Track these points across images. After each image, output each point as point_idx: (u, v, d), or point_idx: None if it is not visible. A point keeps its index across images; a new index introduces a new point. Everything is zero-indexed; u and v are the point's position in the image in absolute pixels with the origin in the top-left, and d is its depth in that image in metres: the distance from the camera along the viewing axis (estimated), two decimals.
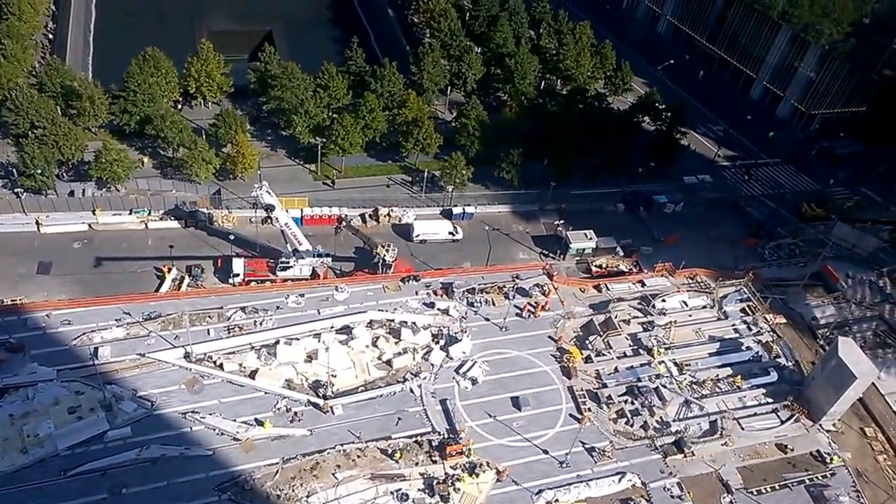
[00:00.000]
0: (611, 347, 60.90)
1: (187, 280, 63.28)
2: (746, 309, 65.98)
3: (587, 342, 61.18)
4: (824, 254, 71.62)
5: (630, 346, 61.48)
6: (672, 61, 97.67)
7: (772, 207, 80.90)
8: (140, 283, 62.33)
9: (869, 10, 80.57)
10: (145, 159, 74.43)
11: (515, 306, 62.05)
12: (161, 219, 68.58)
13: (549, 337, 60.81)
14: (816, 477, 54.14)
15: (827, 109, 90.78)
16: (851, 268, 72.46)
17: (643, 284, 67.20)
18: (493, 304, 62.77)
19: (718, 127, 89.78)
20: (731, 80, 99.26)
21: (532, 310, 62.37)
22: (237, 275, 63.44)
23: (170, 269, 63.55)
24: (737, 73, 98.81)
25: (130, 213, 68.24)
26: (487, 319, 61.33)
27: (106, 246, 65.89)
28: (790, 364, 61.68)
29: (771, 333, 64.05)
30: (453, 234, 71.49)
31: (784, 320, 65.82)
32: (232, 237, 65.06)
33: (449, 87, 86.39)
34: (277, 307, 59.30)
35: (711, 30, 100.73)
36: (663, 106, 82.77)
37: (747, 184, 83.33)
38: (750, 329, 64.29)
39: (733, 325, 64.70)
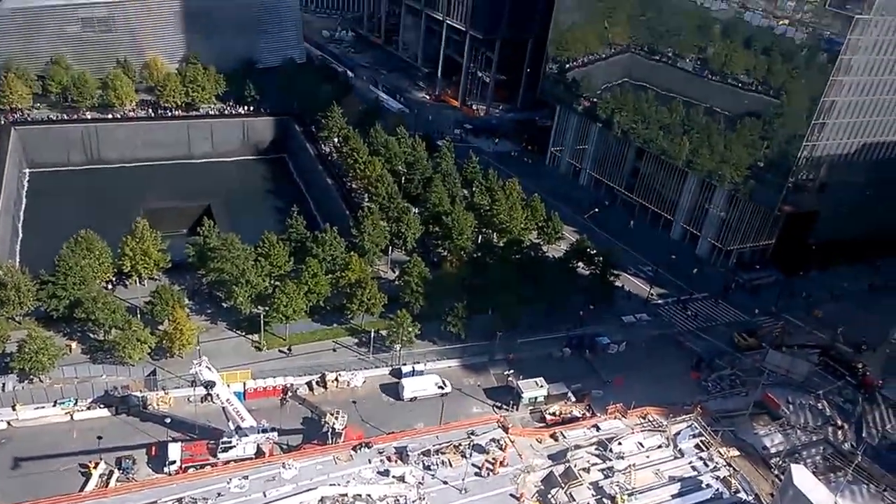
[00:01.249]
0: (574, 500, 56.77)
1: (116, 474, 55.60)
2: (700, 444, 63.69)
3: (549, 496, 56.92)
4: (763, 382, 71.17)
5: (593, 495, 57.61)
6: (597, 210, 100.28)
7: (708, 340, 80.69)
8: (63, 484, 54.35)
9: (761, 155, 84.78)
10: (73, 345, 68.01)
11: (473, 465, 57.73)
12: (89, 408, 61.54)
13: (511, 495, 56.35)
14: None
15: (741, 244, 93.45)
16: (791, 393, 71.96)
17: (598, 428, 64.64)
18: (451, 465, 58.33)
19: (647, 267, 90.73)
20: (652, 224, 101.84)
21: (490, 467, 58.15)
22: (173, 462, 56.41)
23: (97, 465, 56.01)
24: (656, 216, 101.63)
25: (55, 405, 60.87)
26: (445, 482, 56.63)
27: (26, 444, 57.86)
28: (751, 498, 58.94)
29: (727, 468, 61.78)
30: (442, 388, 67.76)
31: (737, 452, 63.87)
32: (168, 420, 58.45)
33: (390, 247, 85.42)
34: (219, 494, 52.80)
35: (628, 179, 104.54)
36: (594, 251, 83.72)
37: (690, 319, 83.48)
38: (707, 465, 61.98)
39: (690, 462, 62.34)
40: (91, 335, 69.02)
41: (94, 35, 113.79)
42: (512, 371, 71.92)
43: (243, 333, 72.35)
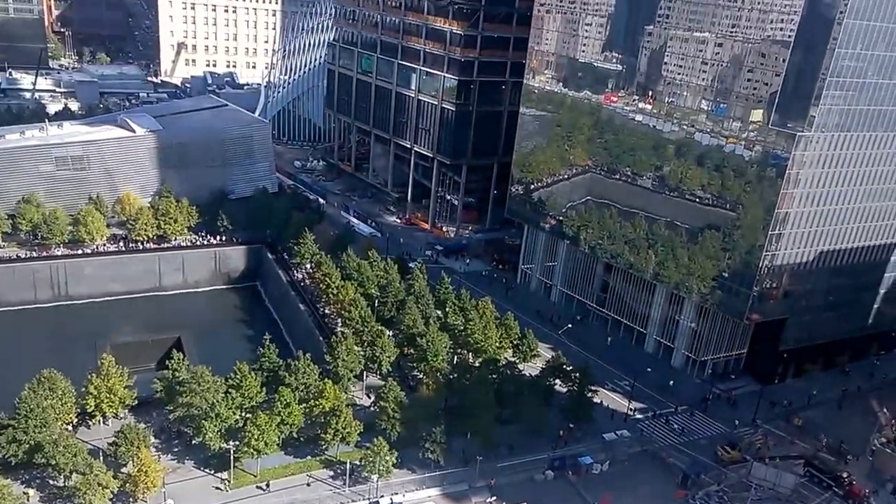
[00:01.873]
0: None
1: None
2: None
3: None
4: (751, 497, 68.98)
5: None
6: (570, 325, 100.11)
7: (691, 455, 78.74)
8: None
9: (725, 266, 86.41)
10: (31, 492, 63.48)
11: None
12: None
13: None
14: None
15: (714, 355, 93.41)
16: None
17: None
18: None
19: (624, 381, 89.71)
20: (625, 337, 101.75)
21: None
22: None
23: None
24: (629, 329, 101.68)
25: None
26: None
27: None
28: None
29: None
30: None
31: None
32: None
33: (364, 373, 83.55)
34: None
35: (598, 294, 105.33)
36: (570, 367, 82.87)
37: (672, 434, 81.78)
38: None
39: None
40: (50, 481, 64.78)
41: (68, 173, 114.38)
42: (494, 497, 68.82)
43: (212, 472, 68.68)
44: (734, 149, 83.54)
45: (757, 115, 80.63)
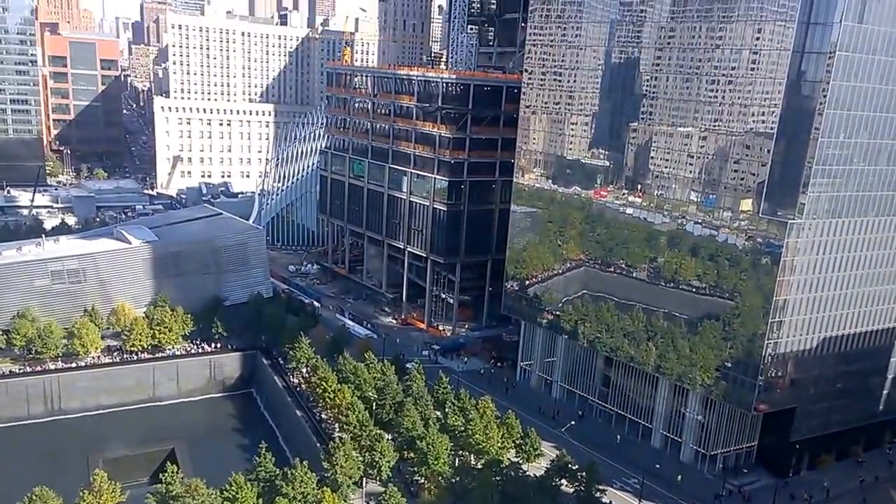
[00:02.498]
0: None
1: None
2: None
3: None
4: None
5: None
6: (573, 422, 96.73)
7: None
8: None
9: (728, 356, 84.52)
10: None
11: None
12: None
13: None
14: None
15: (724, 448, 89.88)
16: None
17: None
18: None
19: (633, 479, 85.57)
20: (631, 432, 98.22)
21: None
22: None
23: None
24: (634, 424, 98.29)
25: None
26: None
27: None
28: None
29: None
30: None
31: None
32: None
33: (364, 479, 79.39)
34: None
35: (600, 389, 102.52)
36: (576, 466, 79.23)
37: None
38: None
39: None
40: None
41: (64, 286, 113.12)
42: None
43: None
44: (727, 238, 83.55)
45: (747, 204, 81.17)
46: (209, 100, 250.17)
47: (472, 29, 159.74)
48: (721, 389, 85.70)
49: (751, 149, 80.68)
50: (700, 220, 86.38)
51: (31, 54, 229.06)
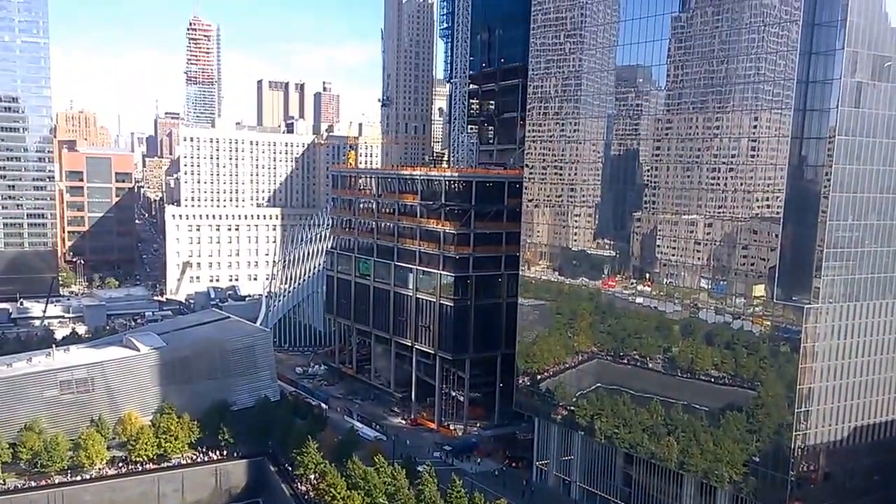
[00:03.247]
0: None
1: None
2: None
3: None
4: None
5: None
6: None
7: None
8: None
9: (755, 449, 79.12)
10: None
11: None
12: None
13: None
14: None
15: None
16: None
17: None
18: None
19: None
20: None
21: None
22: None
23: None
24: None
25: None
26: None
27: None
28: None
29: None
30: None
31: None
32: None
33: None
34: None
35: (621, 489, 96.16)
36: None
37: None
38: None
39: None
40: None
41: (72, 396, 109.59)
42: None
43: None
44: (742, 325, 79.99)
45: (759, 290, 78.14)
46: (218, 206, 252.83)
47: (472, 128, 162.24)
48: (751, 486, 79.71)
49: (758, 234, 78.46)
50: (713, 308, 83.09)
51: (49, 170, 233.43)
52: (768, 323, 77.70)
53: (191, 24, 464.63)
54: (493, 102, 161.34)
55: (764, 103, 77.47)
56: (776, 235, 76.07)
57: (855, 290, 76.22)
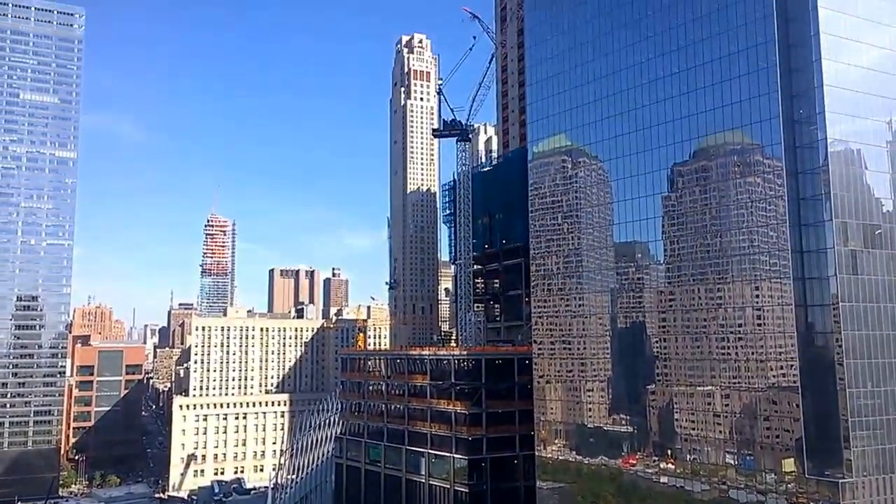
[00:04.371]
0: None
1: None
2: None
3: None
4: None
5: None
6: None
7: None
8: None
9: None
10: None
11: None
12: None
13: None
14: None
15: None
16: None
17: None
18: None
19: None
20: None
21: None
22: None
23: None
24: None
25: None
26: None
27: None
28: None
29: None
30: None
31: None
32: None
33: None
34: None
35: None
36: None
37: None
38: None
39: None
40: None
41: None
42: None
43: None
44: (776, 502, 74.52)
45: (789, 464, 73.76)
46: (227, 394, 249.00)
47: (478, 307, 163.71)
48: None
49: (778, 404, 75.66)
50: (742, 486, 77.99)
51: (61, 366, 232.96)
52: (804, 500, 72.41)
53: (209, 220, 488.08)
54: (497, 281, 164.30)
55: (763, 273, 78.31)
56: (797, 405, 73.18)
57: (889, 462, 71.83)
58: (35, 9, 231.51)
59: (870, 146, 75.94)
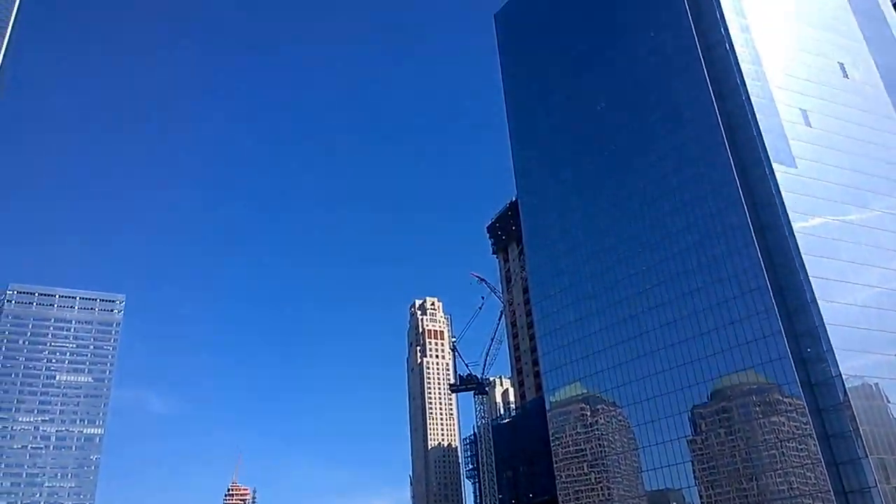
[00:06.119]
0: None
1: None
2: None
3: None
4: None
5: None
6: None
7: None
8: None
9: None
10: None
11: None
12: None
13: None
14: None
15: None
16: None
17: None
18: None
19: None
20: None
21: None
22: None
23: None
24: None
25: None
26: None
27: None
28: None
29: None
30: None
31: None
32: None
33: None
34: None
35: None
36: None
37: None
38: None
39: None
40: None
41: None
42: None
43: None
44: None
45: None
46: None
47: None
48: None
49: None
50: None
51: None
52: None
53: (229, 490, 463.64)
54: None
55: None
56: None
57: None
58: (80, 298, 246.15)
59: (885, 380, 74.42)
